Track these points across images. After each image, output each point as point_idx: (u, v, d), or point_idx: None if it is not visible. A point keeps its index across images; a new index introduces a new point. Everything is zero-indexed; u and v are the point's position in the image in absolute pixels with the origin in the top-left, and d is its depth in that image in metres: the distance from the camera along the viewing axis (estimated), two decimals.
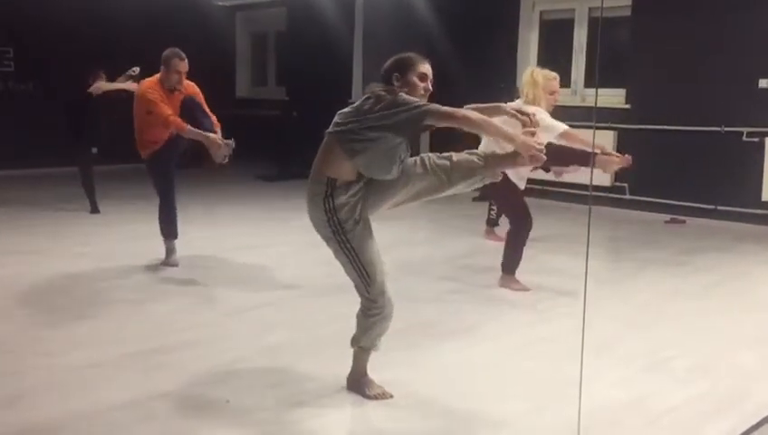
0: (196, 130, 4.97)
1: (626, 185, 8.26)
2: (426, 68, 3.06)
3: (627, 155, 4.64)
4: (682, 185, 7.85)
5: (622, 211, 8.10)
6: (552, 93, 4.92)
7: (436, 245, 6.47)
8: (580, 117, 6.97)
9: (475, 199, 8.32)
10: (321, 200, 2.95)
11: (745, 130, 7.43)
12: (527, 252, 4.98)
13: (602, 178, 8.03)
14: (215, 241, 6.28)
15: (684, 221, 7.63)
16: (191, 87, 5.29)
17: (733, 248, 6.44)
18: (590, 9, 8.79)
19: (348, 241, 2.96)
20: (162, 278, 5.10)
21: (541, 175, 5.46)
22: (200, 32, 10.59)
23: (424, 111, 2.88)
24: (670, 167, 7.92)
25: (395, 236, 6.23)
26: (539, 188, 7.48)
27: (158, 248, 5.44)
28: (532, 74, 4.92)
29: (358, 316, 3.10)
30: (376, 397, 3.10)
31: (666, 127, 7.90)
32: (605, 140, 7.72)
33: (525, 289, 4.88)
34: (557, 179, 5.35)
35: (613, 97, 8.38)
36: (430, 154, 3.12)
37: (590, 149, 4.48)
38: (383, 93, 2.95)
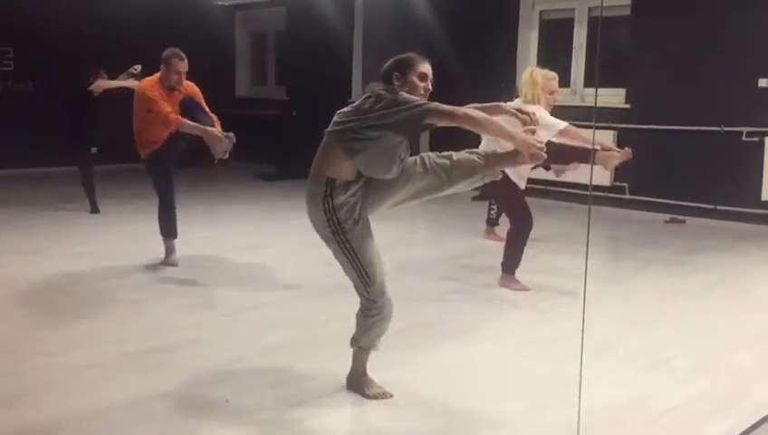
0: (195, 124, 4.97)
1: (626, 185, 8.26)
2: (426, 68, 3.06)
3: (627, 148, 4.64)
4: (682, 185, 7.85)
5: (622, 211, 8.10)
6: (552, 93, 4.92)
7: (436, 244, 6.47)
8: (580, 117, 6.95)
9: (474, 199, 8.32)
10: (321, 200, 2.95)
11: (745, 129, 7.43)
12: (527, 252, 4.98)
13: (602, 177, 8.06)
14: (214, 241, 6.28)
15: (683, 221, 7.63)
16: (191, 87, 5.29)
17: (732, 248, 6.44)
18: (589, 9, 8.78)
19: (347, 241, 2.96)
20: (162, 278, 5.10)
21: (541, 175, 5.48)
22: (200, 31, 10.59)
23: (425, 110, 2.88)
24: (670, 166, 7.93)
25: (395, 236, 6.23)
26: (539, 188, 7.48)
27: (157, 248, 5.44)
28: (531, 74, 4.93)
29: (357, 316, 3.10)
30: (376, 397, 3.10)
31: (665, 127, 7.90)
32: (605, 139, 7.68)
33: (525, 289, 4.88)
34: (558, 178, 5.35)
35: (613, 97, 8.38)
36: (430, 153, 3.12)
37: (590, 146, 4.49)
38: (383, 92, 2.94)
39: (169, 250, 5.39)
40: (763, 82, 7.31)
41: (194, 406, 3.04)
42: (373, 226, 3.05)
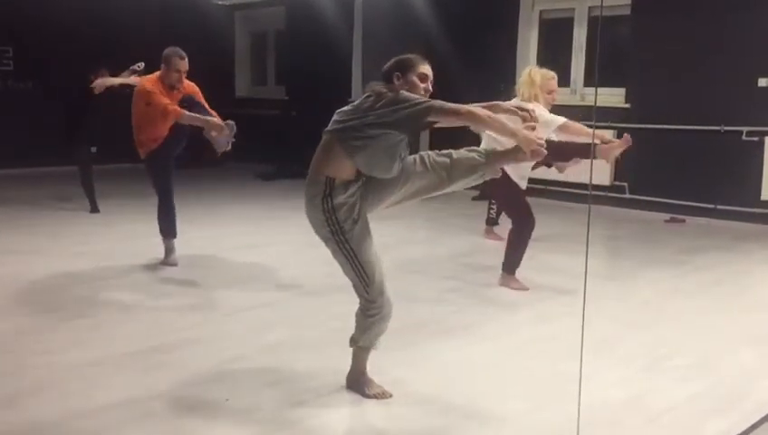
0: (194, 115, 4.96)
1: (625, 184, 8.26)
2: (426, 69, 3.07)
3: (626, 135, 4.63)
4: (682, 184, 7.85)
5: (622, 210, 8.09)
6: (550, 92, 4.92)
7: (436, 244, 6.47)
8: (580, 116, 6.91)
9: (474, 199, 8.33)
10: (320, 201, 2.94)
11: (745, 129, 7.42)
12: (527, 251, 4.97)
13: (602, 177, 8.07)
14: (214, 240, 6.28)
15: (683, 220, 7.63)
16: (190, 86, 5.29)
17: (732, 247, 6.45)
18: (589, 8, 8.78)
19: (347, 241, 2.95)
20: (162, 277, 5.10)
21: (541, 174, 5.48)
22: (199, 31, 10.58)
23: (427, 107, 2.88)
24: (670, 166, 7.92)
25: (394, 236, 6.23)
26: (539, 188, 7.48)
27: (157, 248, 5.44)
28: (529, 73, 4.93)
29: (356, 316, 3.10)
30: (375, 396, 3.10)
31: (665, 126, 7.89)
32: None
33: (525, 288, 4.88)
34: (560, 174, 5.33)
35: (613, 96, 8.38)
36: (429, 152, 3.12)
37: (590, 140, 4.49)
38: (384, 91, 2.94)
39: (169, 250, 5.38)
40: (762, 82, 7.31)
41: (194, 405, 3.04)
42: (373, 225, 3.05)
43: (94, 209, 7.42)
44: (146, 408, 2.98)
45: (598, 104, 8.56)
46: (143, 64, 6.59)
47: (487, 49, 9.14)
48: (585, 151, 4.57)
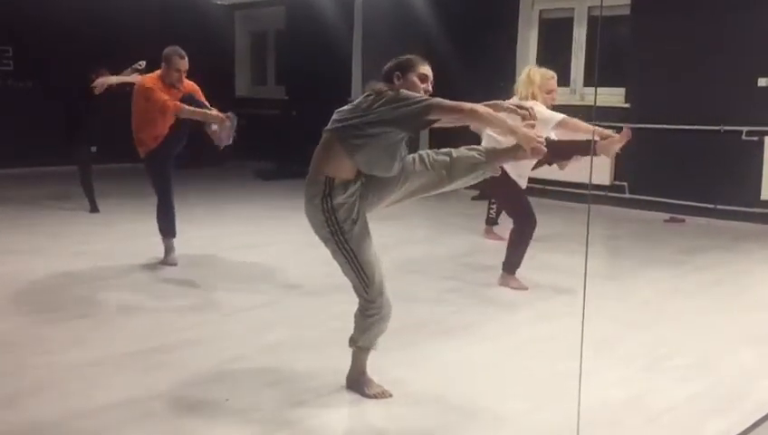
0: (194, 109, 4.95)
1: (625, 184, 8.26)
2: (426, 69, 3.07)
3: (625, 129, 4.63)
4: (681, 184, 7.85)
5: (622, 210, 8.10)
6: (550, 92, 4.92)
7: (436, 244, 6.47)
8: (580, 116, 6.93)
9: (474, 198, 8.33)
10: (320, 201, 2.94)
11: (745, 128, 7.42)
12: (527, 251, 4.97)
13: (602, 176, 8.06)
14: (214, 240, 6.28)
15: (683, 220, 7.63)
16: (190, 86, 5.29)
17: (732, 247, 6.45)
18: (589, 8, 8.78)
19: (346, 241, 2.95)
20: (161, 277, 5.10)
21: (541, 174, 5.47)
22: (199, 31, 10.57)
23: (427, 105, 2.88)
24: (670, 166, 7.92)
25: (394, 236, 6.23)
26: (539, 187, 7.47)
27: (157, 247, 5.44)
28: (528, 73, 4.93)
29: (356, 316, 3.10)
30: (375, 396, 3.10)
31: (665, 126, 7.89)
32: None
33: (524, 288, 4.88)
34: (560, 173, 5.32)
35: (612, 96, 8.38)
36: (428, 151, 3.12)
37: (590, 136, 4.49)
38: (384, 89, 2.95)
39: (168, 249, 5.38)
40: (762, 82, 7.31)
41: (194, 405, 3.03)
42: (372, 225, 3.05)
43: (94, 209, 7.42)
44: (146, 408, 2.98)
45: (597, 104, 8.56)
46: (144, 63, 6.58)
47: (487, 49, 9.14)
48: (585, 149, 4.56)
